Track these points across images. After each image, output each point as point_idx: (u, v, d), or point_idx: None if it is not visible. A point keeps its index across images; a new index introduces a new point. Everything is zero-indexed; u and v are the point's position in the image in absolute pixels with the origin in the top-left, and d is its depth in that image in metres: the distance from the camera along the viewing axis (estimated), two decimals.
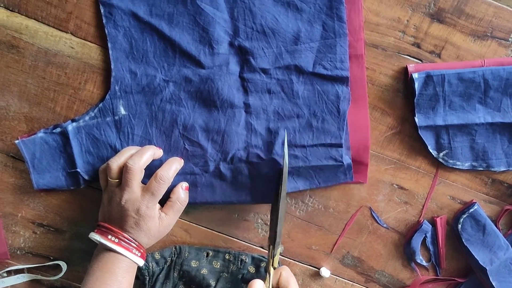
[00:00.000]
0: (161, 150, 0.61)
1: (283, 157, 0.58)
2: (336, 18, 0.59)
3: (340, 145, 0.61)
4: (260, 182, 0.62)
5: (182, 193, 0.60)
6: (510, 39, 0.60)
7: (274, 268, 0.57)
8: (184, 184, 0.61)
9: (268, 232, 0.65)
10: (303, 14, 0.59)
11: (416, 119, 0.61)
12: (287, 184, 0.61)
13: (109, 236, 0.56)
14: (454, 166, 0.63)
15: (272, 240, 0.58)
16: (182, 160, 0.61)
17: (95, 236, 0.56)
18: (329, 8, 0.59)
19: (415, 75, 0.59)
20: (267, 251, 0.65)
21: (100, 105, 0.60)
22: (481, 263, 0.63)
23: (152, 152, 0.58)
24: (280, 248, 0.58)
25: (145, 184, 0.57)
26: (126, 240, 0.56)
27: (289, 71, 0.60)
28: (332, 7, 0.59)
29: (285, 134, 0.60)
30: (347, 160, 0.62)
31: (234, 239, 0.66)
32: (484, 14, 0.60)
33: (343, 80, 0.60)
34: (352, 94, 0.61)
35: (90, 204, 0.64)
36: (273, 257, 0.57)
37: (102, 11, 0.59)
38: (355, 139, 0.62)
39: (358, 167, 0.63)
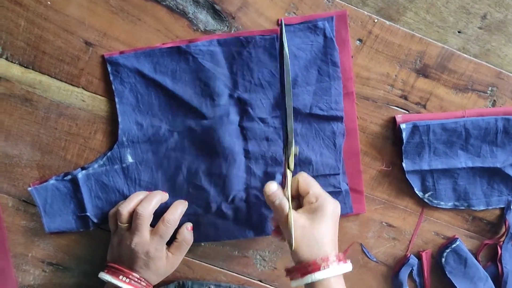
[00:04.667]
0: (167, 195, 0.64)
1: (283, 48, 0.56)
2: (330, 63, 0.63)
3: (337, 174, 0.65)
4: (260, 218, 0.66)
5: (187, 233, 0.63)
6: (488, 92, 0.65)
7: (291, 171, 0.56)
8: (189, 225, 0.64)
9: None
10: (300, 60, 0.62)
11: (404, 165, 0.65)
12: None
13: (120, 276, 0.59)
14: (438, 206, 0.67)
15: (284, 140, 0.58)
16: (187, 203, 0.64)
17: (105, 276, 0.59)
18: (324, 54, 0.62)
19: (402, 126, 0.63)
20: (266, 285, 0.69)
21: (109, 153, 0.64)
22: None
23: (160, 197, 0.62)
24: (294, 148, 0.57)
25: (152, 226, 0.61)
26: (136, 279, 0.59)
27: None
28: (327, 53, 0.62)
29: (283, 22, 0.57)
30: (344, 186, 0.66)
31: (235, 274, 0.69)
32: (465, 69, 0.64)
33: (338, 119, 0.64)
34: (345, 126, 0.65)
35: (98, 244, 0.67)
36: (288, 158, 0.56)
37: (109, 69, 0.62)
38: (348, 165, 0.66)
39: (355, 196, 0.67)
